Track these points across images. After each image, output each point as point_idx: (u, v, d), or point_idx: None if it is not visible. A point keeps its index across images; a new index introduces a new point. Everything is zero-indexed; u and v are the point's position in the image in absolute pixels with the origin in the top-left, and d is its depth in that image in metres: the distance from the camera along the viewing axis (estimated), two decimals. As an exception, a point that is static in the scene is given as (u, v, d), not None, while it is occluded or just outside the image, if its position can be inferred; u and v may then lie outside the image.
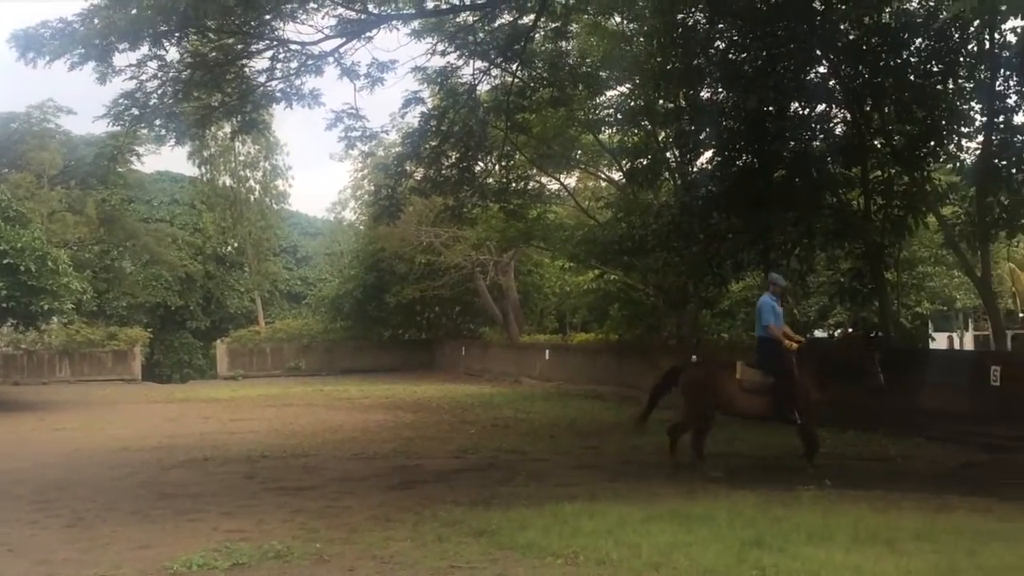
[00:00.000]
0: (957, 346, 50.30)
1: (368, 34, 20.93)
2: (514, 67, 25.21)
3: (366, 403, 33.48)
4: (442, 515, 12.10)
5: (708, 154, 26.88)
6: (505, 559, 9.78)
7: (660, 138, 30.21)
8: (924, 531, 10.32)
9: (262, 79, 22.19)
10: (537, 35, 25.95)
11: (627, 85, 31.16)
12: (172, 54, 20.77)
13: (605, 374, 35.83)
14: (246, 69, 22.23)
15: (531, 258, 51.50)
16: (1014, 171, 23.68)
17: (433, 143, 26.18)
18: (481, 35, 23.54)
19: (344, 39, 20.87)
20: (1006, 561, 8.92)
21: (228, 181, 60.03)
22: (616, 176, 37.49)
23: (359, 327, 56.82)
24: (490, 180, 29.98)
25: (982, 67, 23.53)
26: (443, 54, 24.25)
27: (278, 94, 22.37)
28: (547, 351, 42.80)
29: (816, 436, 15.64)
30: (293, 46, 21.24)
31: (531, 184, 35.37)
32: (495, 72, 25.80)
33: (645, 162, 30.15)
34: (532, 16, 23.75)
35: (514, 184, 31.32)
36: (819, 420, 15.88)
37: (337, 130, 23.25)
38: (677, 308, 33.45)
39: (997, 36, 22.83)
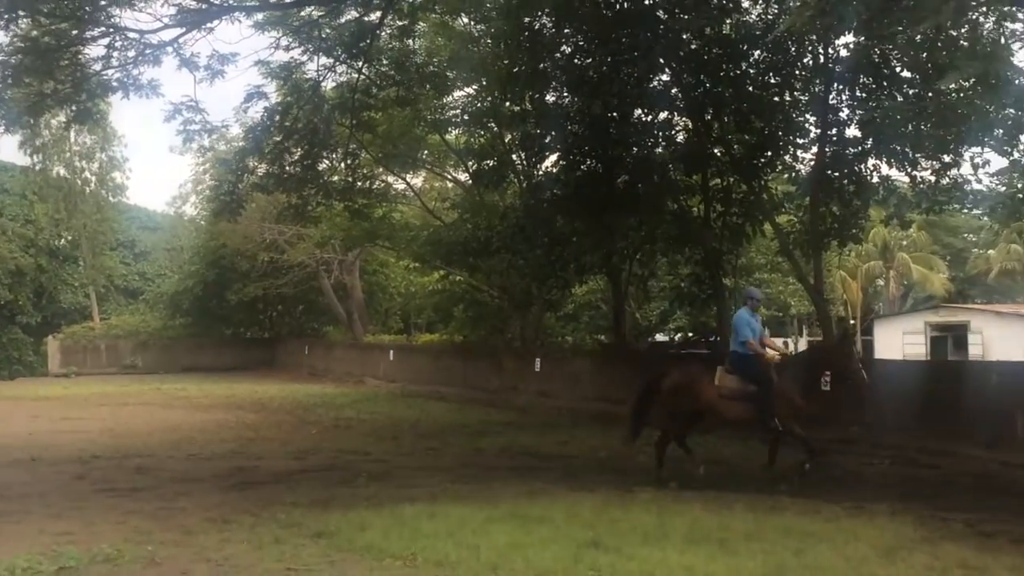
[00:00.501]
0: (792, 351, 51.82)
1: (209, 25, 20.43)
2: (360, 65, 24.97)
3: (205, 402, 32.79)
4: (280, 517, 11.90)
5: (553, 158, 27.06)
6: (343, 561, 9.66)
7: (506, 140, 30.35)
8: (755, 531, 10.57)
9: (98, 67, 21.43)
10: (383, 33, 25.73)
11: (474, 86, 31.25)
12: (1, 37, 20.02)
13: (449, 375, 35.83)
14: (81, 56, 21.44)
15: (376, 257, 51.22)
16: (846, 182, 24.52)
17: (276, 139, 25.73)
18: (327, 31, 23.23)
19: (184, 29, 20.34)
20: (830, 561, 9.19)
21: (62, 171, 57.94)
22: (462, 177, 37.56)
23: (199, 324, 55.68)
24: (335, 178, 29.62)
25: (817, 80, 24.26)
26: (287, 49, 23.83)
27: (114, 83, 21.61)
28: (391, 351, 42.59)
29: (806, 439, 15.19)
30: (131, 34, 20.57)
31: (376, 183, 35.11)
32: (340, 69, 25.49)
33: (491, 164, 30.22)
34: (378, 14, 23.56)
35: (359, 183, 30.99)
36: (799, 424, 15.27)
37: (176, 122, 22.63)
38: (521, 310, 33.66)
39: (831, 51, 23.58)
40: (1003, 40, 20.92)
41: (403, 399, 33.12)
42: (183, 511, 12.71)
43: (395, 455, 18.83)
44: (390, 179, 38.60)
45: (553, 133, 25.73)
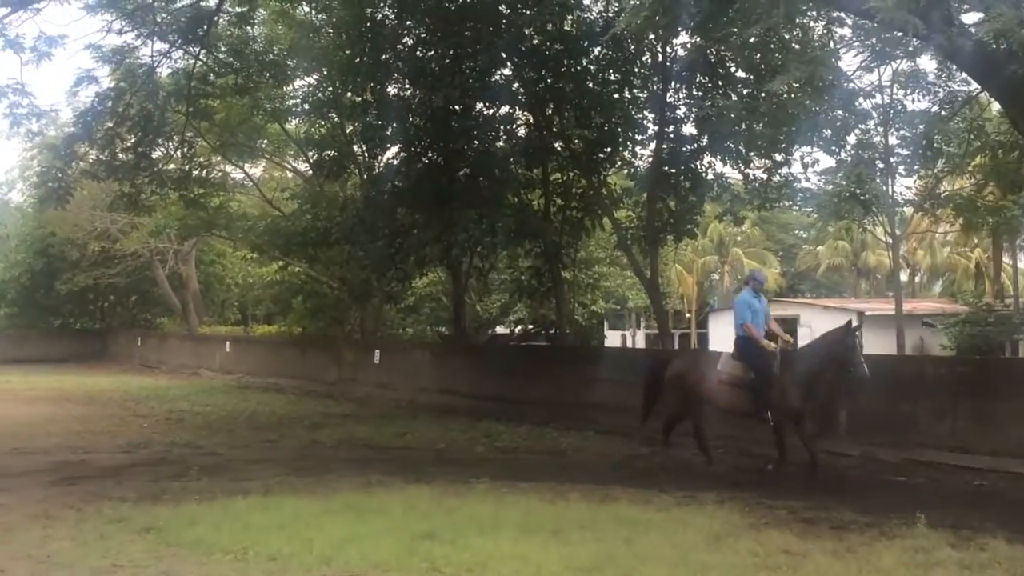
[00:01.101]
0: (630, 344, 52.77)
1: (36, 5, 19.66)
2: (197, 51, 24.43)
3: (31, 395, 31.59)
4: (107, 512, 11.51)
5: (394, 149, 27.03)
6: (171, 556, 9.41)
7: (347, 131, 30.10)
8: (588, 521, 10.69)
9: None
10: (221, 19, 25.25)
11: (315, 76, 30.86)
12: None
13: (288, 367, 35.38)
14: None
15: (213, 248, 50.29)
16: (682, 178, 25.09)
17: (108, 125, 24.95)
18: (162, 15, 22.62)
19: (9, 8, 19.52)
20: (660, 550, 9.35)
21: None
22: (302, 167, 37.11)
23: (25, 315, 53.87)
24: (170, 166, 28.90)
25: (655, 78, 24.75)
26: (120, 33, 23.11)
27: (-68, 64, 20.61)
28: (228, 343, 41.85)
29: (785, 441, 14.69)
30: (-51, 14, 19.67)
31: (213, 172, 34.42)
32: (177, 55, 24.89)
33: (332, 154, 29.90)
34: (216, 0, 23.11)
35: (195, 171, 30.34)
36: (790, 425, 14.68)
37: (1, 106, 21.73)
38: (361, 302, 33.44)
39: (669, 50, 24.09)
40: (831, 44, 21.70)
41: (239, 391, 32.54)
42: (3, 508, 12.18)
43: (229, 448, 18.46)
44: (228, 168, 37.92)
45: (394, 125, 25.64)
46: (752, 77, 23.23)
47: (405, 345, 33.17)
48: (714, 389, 15.20)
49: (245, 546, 9.53)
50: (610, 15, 23.60)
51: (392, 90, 26.51)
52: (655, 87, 24.84)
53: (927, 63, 19.47)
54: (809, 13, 20.57)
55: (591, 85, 25.15)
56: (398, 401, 27.25)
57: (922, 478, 14.67)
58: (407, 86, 25.89)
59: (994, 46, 12.56)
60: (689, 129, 25.11)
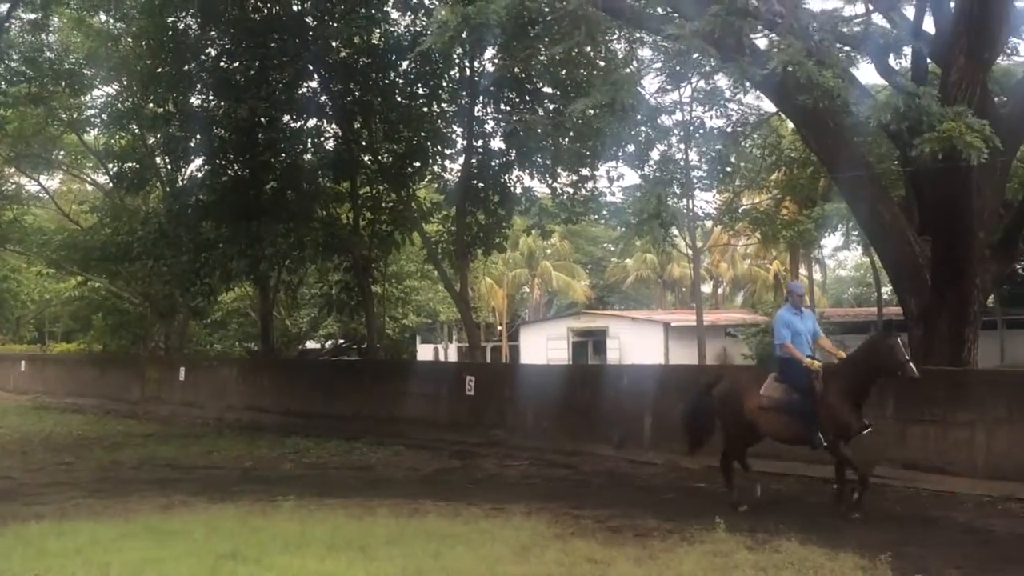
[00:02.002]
0: (443, 357, 52.88)
1: None
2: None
3: None
4: None
5: (199, 161, 26.47)
6: (-43, 587, 8.99)
7: (149, 143, 29.32)
8: (396, 536, 10.63)
9: None
10: (13, 26, 24.30)
11: (114, 86, 30.02)
12: None
13: (87, 386, 34.17)
14: None
15: (7, 263, 48.16)
16: (491, 193, 25.27)
17: None
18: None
19: None
20: (467, 563, 9.37)
21: None
22: (102, 180, 35.97)
23: None
24: (-41, 178, 27.70)
25: (463, 93, 24.87)
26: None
27: None
28: (23, 362, 40.18)
29: (847, 459, 12.51)
30: None
31: (6, 184, 33.09)
32: (-35, 63, 23.87)
33: (133, 167, 29.09)
34: (7, 5, 22.25)
35: (-16, 184, 29.20)
36: (847, 443, 12.53)
37: None
38: (165, 318, 32.61)
39: (477, 65, 24.24)
40: (634, 63, 22.25)
41: (35, 412, 31.25)
42: None
43: (23, 471, 17.67)
44: (22, 180, 36.44)
45: (198, 137, 25.12)
46: (559, 93, 23.60)
47: (212, 361, 32.46)
48: (755, 413, 13.08)
49: (38, 573, 9.16)
50: (418, 29, 23.64)
51: (196, 101, 25.95)
52: (463, 101, 24.97)
53: (725, 81, 20.12)
54: (612, 33, 21.06)
55: (399, 99, 25.17)
56: (204, 419, 26.65)
57: (722, 484, 15.07)
58: (211, 97, 25.37)
59: (783, 75, 13.10)
60: (497, 143, 25.36)
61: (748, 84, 15.64)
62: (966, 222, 15.52)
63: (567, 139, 22.93)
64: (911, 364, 12.37)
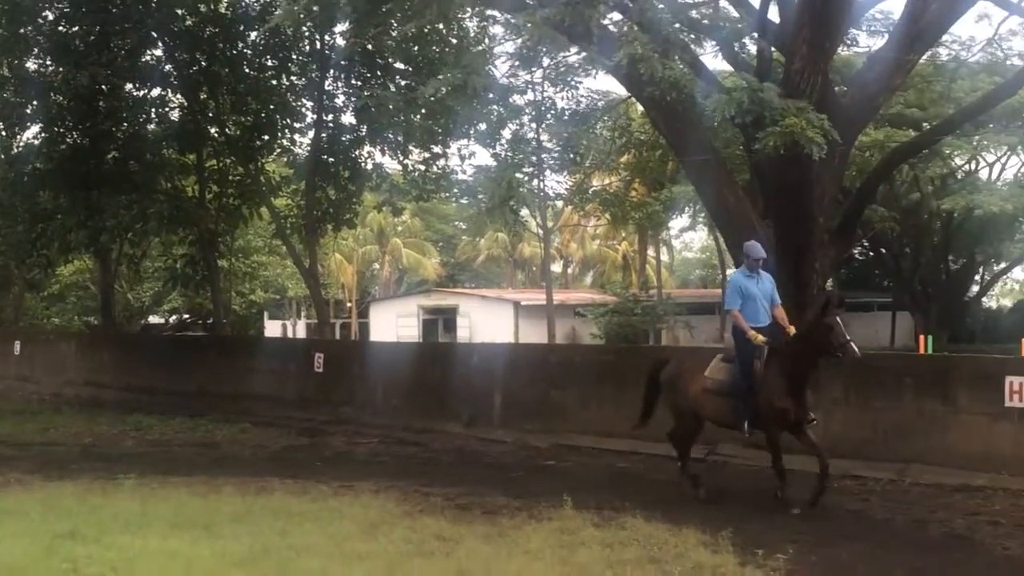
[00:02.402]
0: (291, 334, 52.28)
1: None
2: None
3: None
4: None
5: (35, 129, 25.59)
6: None
7: (-18, 108, 28.15)
8: (242, 514, 10.44)
9: None
10: None
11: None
12: None
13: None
14: None
15: None
16: (341, 168, 25.06)
17: None
18: None
19: None
20: (315, 539, 9.26)
21: None
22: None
23: None
24: None
25: (314, 66, 24.58)
26: None
27: None
28: None
29: (780, 456, 11.63)
30: None
31: None
32: None
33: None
34: None
35: None
36: (779, 433, 11.63)
37: None
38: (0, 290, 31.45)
39: (328, 38, 23.98)
40: (486, 41, 22.27)
41: None
42: None
43: None
44: None
45: (35, 103, 24.25)
46: (411, 69, 23.52)
47: (49, 335, 31.47)
48: (699, 397, 12.01)
49: None
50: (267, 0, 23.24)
51: (32, 66, 24.95)
52: (314, 75, 24.70)
53: (576, 61, 20.33)
54: (464, 12, 21.02)
55: (248, 70, 24.76)
56: (41, 395, 25.77)
57: (570, 462, 15.24)
58: (49, 62, 24.47)
59: (630, 68, 13.29)
60: (348, 119, 25.19)
61: (597, 71, 15.85)
62: (806, 208, 15.96)
63: (419, 116, 22.81)
64: (852, 344, 11.08)
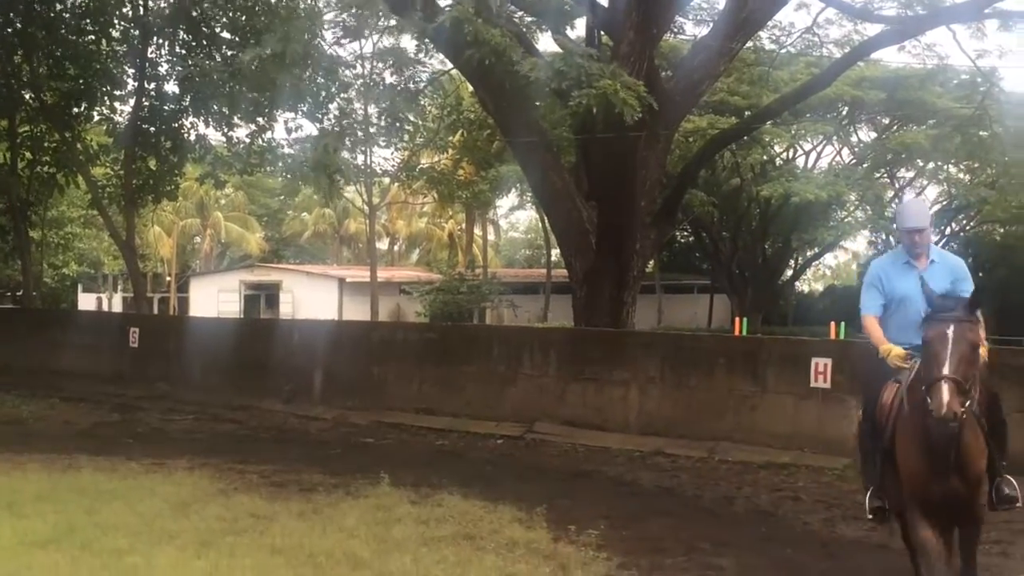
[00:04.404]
0: (106, 308, 50.80)
1: None
2: None
3: None
4: None
5: None
6: None
7: None
8: (47, 492, 10.14)
9: None
10: None
11: None
12: None
13: None
14: None
15: None
16: (163, 138, 24.48)
17: None
18: None
19: None
20: (124, 518, 9.04)
21: None
22: None
23: None
24: None
25: (136, 32, 23.91)
26: None
27: None
28: None
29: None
30: None
31: None
32: None
33: None
34: None
35: None
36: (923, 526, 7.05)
37: None
38: None
39: (151, 3, 23.37)
40: (316, 9, 22.00)
41: None
42: None
43: None
44: None
45: None
46: (237, 39, 23.07)
47: None
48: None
49: None
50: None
51: None
52: (135, 42, 24.03)
53: (408, 40, 20.28)
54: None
55: (66, 34, 23.91)
56: None
57: (390, 439, 15.26)
58: None
59: (453, 32, 13.34)
60: (171, 88, 24.63)
61: (428, 43, 15.84)
62: (630, 190, 16.31)
63: (244, 87, 22.41)
64: None
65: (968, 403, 5.89)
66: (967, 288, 6.77)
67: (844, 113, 37.11)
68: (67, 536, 8.43)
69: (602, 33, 17.24)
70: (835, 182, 34.35)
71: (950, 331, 5.93)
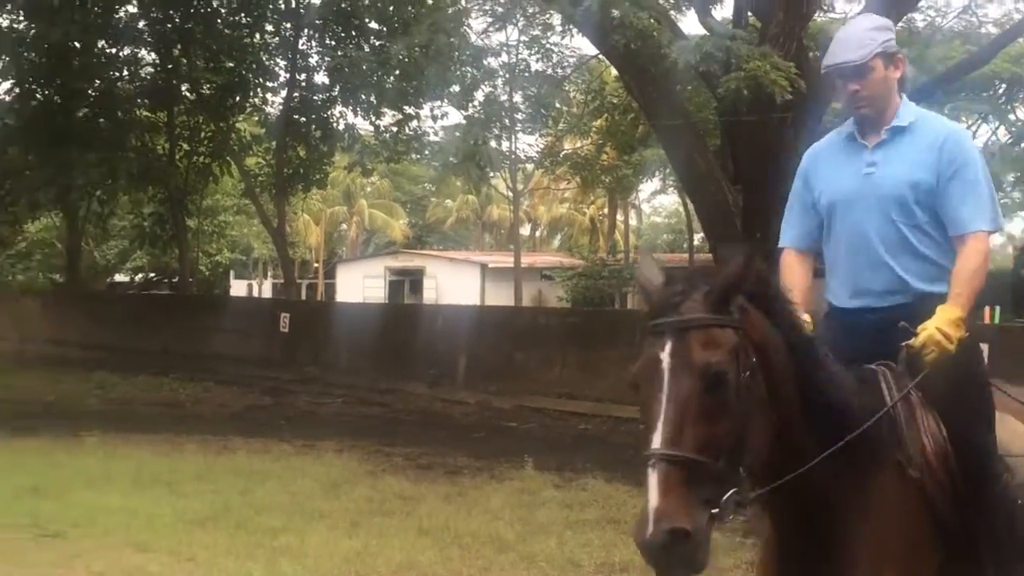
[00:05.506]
0: (256, 294, 52.14)
1: None
2: None
3: None
4: None
5: (6, 85, 25.34)
6: None
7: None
8: (204, 472, 10.52)
9: None
10: None
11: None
12: None
13: None
14: None
15: None
16: (313, 128, 25.00)
17: None
18: None
19: None
20: (276, 497, 9.35)
21: None
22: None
23: None
24: None
25: (288, 25, 24.45)
26: None
27: None
28: None
29: None
30: None
31: None
32: None
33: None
34: None
35: None
36: None
37: None
38: (-36, 247, 31.27)
39: (304, -3, 23.91)
40: (462, 2, 22.18)
41: None
42: None
43: None
44: None
45: (6, 59, 24.02)
46: (385, 29, 23.41)
47: (14, 293, 31.26)
48: None
49: None
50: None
51: (4, 22, 24.68)
52: (287, 34, 24.60)
53: (556, 20, 20.29)
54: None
55: (222, 28, 24.59)
56: (5, 352, 25.65)
57: (533, 424, 15.40)
58: (21, 18, 24.21)
59: (600, 15, 13.27)
60: (321, 78, 25.15)
61: (572, 28, 15.85)
62: (777, 173, 16.05)
63: (392, 77, 22.76)
64: None
65: (725, 503, 2.86)
66: (956, 197, 3.71)
67: (1001, 91, 35.85)
68: (223, 515, 8.75)
69: (749, 14, 17.00)
70: (991, 161, 33.29)
71: (665, 358, 2.95)
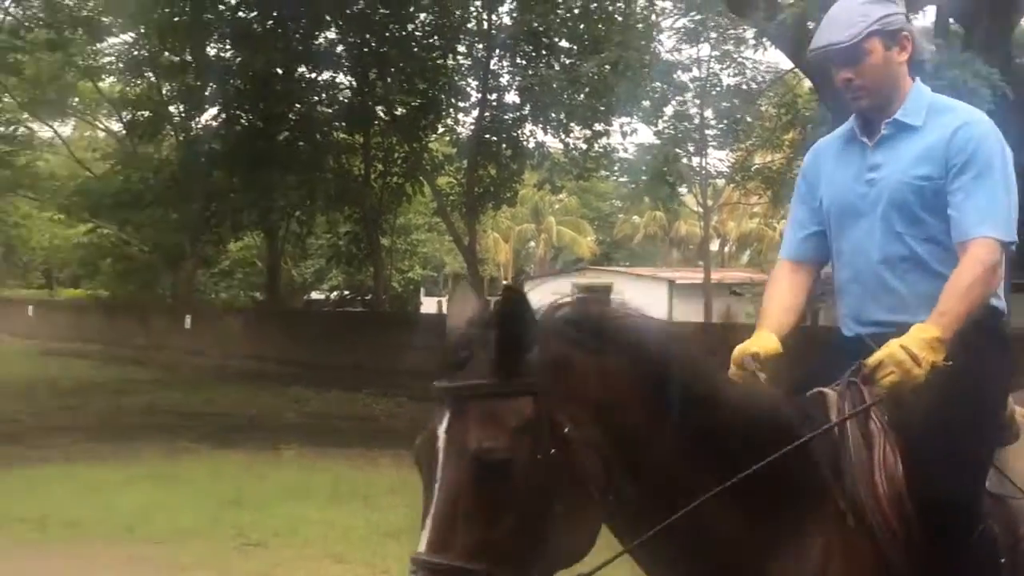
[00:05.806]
0: (445, 311, 52.87)
1: None
2: (6, 4, 23.39)
3: None
4: None
5: (213, 111, 26.42)
6: (-37, 527, 9.00)
7: (164, 91, 29.14)
8: (398, 486, 10.60)
9: None
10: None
11: (131, 33, 29.74)
12: None
13: (94, 332, 34.20)
14: None
15: (19, 209, 47.88)
16: (504, 146, 25.22)
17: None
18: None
19: None
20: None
21: None
22: (116, 127, 35.76)
23: None
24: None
25: (480, 46, 24.77)
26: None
27: None
28: (31, 307, 40.26)
29: None
30: None
31: (20, 130, 32.94)
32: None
33: (147, 115, 28.92)
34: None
35: (1, 128, 29.02)
36: None
37: None
38: (173, 266, 32.58)
39: (494, 18, 24.11)
40: (652, 17, 22.07)
41: (41, 357, 31.25)
42: None
43: (28, 415, 17.59)
44: (35, 126, 36.22)
45: (213, 86, 25.08)
46: (575, 47, 23.47)
47: (217, 310, 32.46)
48: None
49: (44, 514, 9.21)
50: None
51: (212, 51, 25.77)
52: (479, 55, 24.89)
53: (749, 34, 19.98)
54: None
55: (416, 50, 25.04)
56: (209, 367, 26.63)
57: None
58: (228, 47, 25.24)
59: (795, 30, 13.03)
60: (512, 97, 25.37)
61: (766, 41, 15.56)
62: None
63: (582, 94, 22.80)
64: None
65: None
66: (961, 194, 3.05)
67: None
68: (416, 529, 8.81)
69: (951, 20, 16.38)
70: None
71: (440, 436, 2.58)
